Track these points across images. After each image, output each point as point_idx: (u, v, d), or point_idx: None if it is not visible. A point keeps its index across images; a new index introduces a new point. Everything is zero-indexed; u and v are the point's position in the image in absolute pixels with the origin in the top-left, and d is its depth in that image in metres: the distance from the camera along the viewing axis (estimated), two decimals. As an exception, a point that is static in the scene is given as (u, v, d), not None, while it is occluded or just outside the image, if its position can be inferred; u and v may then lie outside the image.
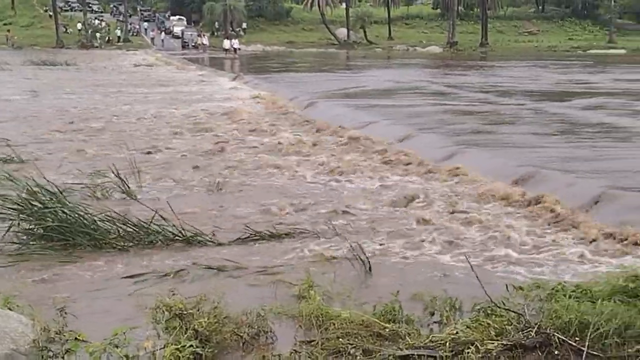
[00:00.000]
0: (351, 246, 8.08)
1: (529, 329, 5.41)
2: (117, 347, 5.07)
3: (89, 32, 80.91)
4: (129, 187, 11.33)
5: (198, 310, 5.79)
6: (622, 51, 77.15)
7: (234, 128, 19.55)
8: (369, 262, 7.89)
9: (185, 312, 5.67)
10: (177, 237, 8.86)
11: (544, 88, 30.59)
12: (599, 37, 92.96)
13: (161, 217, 9.08)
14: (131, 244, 8.74)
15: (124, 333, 5.13)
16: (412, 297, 6.77)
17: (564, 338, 5.22)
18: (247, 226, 9.25)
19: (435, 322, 6.22)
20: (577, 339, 5.21)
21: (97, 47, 77.41)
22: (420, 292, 6.80)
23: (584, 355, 5.02)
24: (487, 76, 38.52)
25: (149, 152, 15.59)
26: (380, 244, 8.85)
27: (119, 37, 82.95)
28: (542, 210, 10.19)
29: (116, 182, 11.39)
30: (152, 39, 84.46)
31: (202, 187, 12.17)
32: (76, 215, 8.87)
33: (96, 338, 5.28)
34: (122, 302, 6.86)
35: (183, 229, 8.90)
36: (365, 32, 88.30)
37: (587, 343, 5.12)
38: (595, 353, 5.10)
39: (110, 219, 9.00)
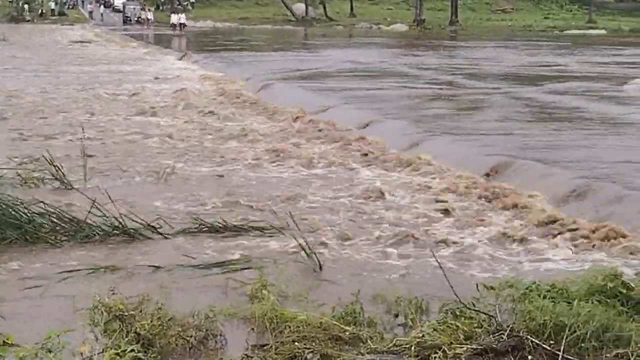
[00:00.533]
0: (307, 243, 8.08)
1: (500, 332, 5.44)
2: (50, 351, 5.01)
3: (20, 4, 79.82)
4: (64, 176, 11.21)
5: (140, 311, 5.74)
6: (603, 31, 77.99)
7: (180, 112, 19.43)
8: (326, 260, 7.89)
9: (125, 314, 5.62)
10: (118, 231, 8.78)
11: (517, 70, 30.84)
12: (577, 16, 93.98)
13: (100, 208, 8.98)
14: (66, 238, 8.64)
15: (58, 336, 5.07)
16: (375, 297, 6.79)
17: (538, 342, 5.25)
18: (195, 219, 9.20)
19: (399, 325, 6.23)
20: (552, 342, 5.25)
21: (29, 21, 76.48)
22: (383, 293, 6.82)
23: (559, 360, 5.07)
24: (456, 57, 38.74)
25: (87, 139, 15.40)
26: (340, 240, 8.84)
27: (52, 10, 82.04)
28: (515, 203, 10.27)
29: (50, 171, 11.26)
30: (90, 12, 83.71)
31: (147, 177, 12.09)
32: (3, 205, 8.75)
33: (27, 342, 5.21)
34: (55, 302, 6.78)
35: (125, 222, 8.82)
36: (325, 7, 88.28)
37: (562, 347, 5.16)
38: (571, 357, 5.14)
39: (44, 210, 8.89)
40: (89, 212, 8.91)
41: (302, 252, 7.98)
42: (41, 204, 8.95)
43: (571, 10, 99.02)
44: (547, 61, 35.86)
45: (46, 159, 11.33)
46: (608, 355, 5.14)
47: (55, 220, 8.84)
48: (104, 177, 11.93)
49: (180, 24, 66.89)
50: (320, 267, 7.74)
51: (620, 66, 33.15)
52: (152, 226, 8.91)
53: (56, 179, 11.18)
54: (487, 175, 11.88)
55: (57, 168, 11.27)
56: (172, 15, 69.51)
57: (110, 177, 11.93)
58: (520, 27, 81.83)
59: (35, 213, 8.83)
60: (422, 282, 7.41)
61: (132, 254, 8.26)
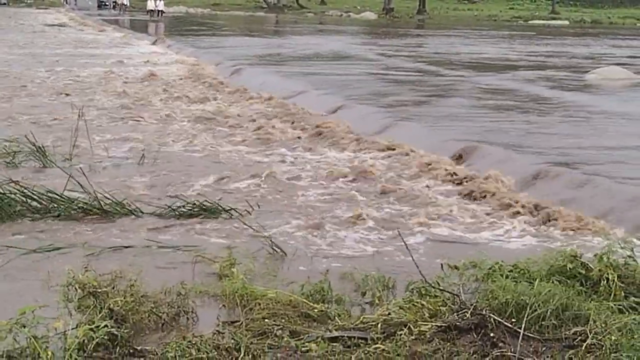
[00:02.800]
0: (278, 224, 8.06)
1: (464, 310, 5.47)
2: (24, 326, 4.97)
3: (-4, -13, 79.01)
4: (45, 156, 11.17)
5: (113, 288, 5.71)
6: (565, 22, 78.44)
7: (155, 96, 19.31)
8: (296, 240, 7.89)
9: (99, 290, 5.58)
10: (93, 209, 8.73)
11: (482, 59, 30.94)
12: (541, 7, 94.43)
13: (77, 186, 8.95)
14: (40, 215, 8.59)
15: (32, 312, 5.03)
16: (343, 276, 6.81)
17: (500, 319, 5.28)
18: (171, 199, 9.18)
19: (367, 303, 6.25)
20: (513, 320, 5.29)
21: (4, 4, 75.61)
22: (351, 271, 6.85)
23: (520, 337, 5.10)
24: (424, 45, 38.81)
25: (62, 118, 15.30)
26: (310, 221, 8.85)
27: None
28: (480, 186, 10.33)
29: (30, 150, 11.23)
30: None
31: (124, 158, 12.02)
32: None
33: (0, 317, 5.18)
34: (29, 279, 6.73)
35: (100, 201, 8.78)
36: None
37: (523, 325, 5.20)
38: (532, 335, 5.18)
39: (19, 187, 8.83)
40: (64, 190, 8.87)
41: (276, 233, 8.00)
42: (14, 182, 8.88)
43: (535, 1, 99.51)
44: (512, 50, 36.00)
45: (27, 139, 11.31)
46: (567, 332, 5.18)
47: (30, 197, 8.77)
48: (87, 158, 11.86)
49: (159, 10, 66.06)
50: (292, 249, 7.74)
51: (582, 56, 33.35)
52: (124, 205, 8.87)
53: (37, 158, 11.11)
54: (457, 158, 11.93)
55: (38, 148, 11.21)
56: (149, 1, 68.50)
57: (91, 159, 11.84)
58: (485, 17, 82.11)
59: (8, 191, 8.75)
60: (390, 262, 7.44)
61: (106, 232, 8.22)
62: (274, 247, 7.63)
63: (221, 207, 9.07)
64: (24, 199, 8.76)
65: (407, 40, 42.53)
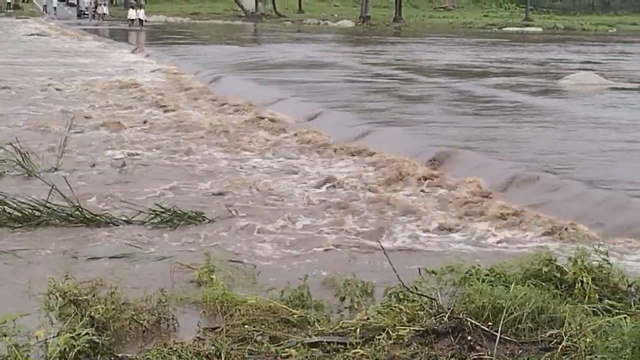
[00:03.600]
0: (257, 230, 8.08)
1: (441, 314, 5.48)
2: (5, 335, 4.94)
3: (-25, -3, 78.60)
4: (27, 164, 11.13)
5: (94, 295, 5.68)
6: (539, 29, 78.87)
7: (134, 104, 19.25)
8: (274, 246, 7.89)
9: (80, 298, 5.56)
10: (74, 217, 8.70)
11: (457, 65, 31.03)
12: (515, 14, 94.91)
13: (57, 194, 8.93)
14: (20, 223, 8.55)
15: (14, 320, 5.00)
16: (322, 282, 6.81)
17: (476, 323, 5.30)
18: (150, 207, 9.14)
19: (346, 308, 6.24)
20: (490, 323, 5.31)
21: (-17, 14, 75.24)
22: (330, 277, 6.84)
23: (497, 341, 5.11)
24: (400, 52, 38.89)
25: (44, 129, 15.21)
26: (288, 227, 8.85)
27: (8, 4, 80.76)
28: (457, 191, 10.36)
29: (12, 159, 11.22)
30: (45, 6, 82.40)
31: (104, 166, 11.97)
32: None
33: (-18, 326, 5.14)
34: (10, 287, 6.69)
35: (81, 209, 8.75)
36: (274, 3, 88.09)
37: (500, 328, 5.22)
38: (508, 338, 5.20)
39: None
40: (47, 200, 8.85)
41: (254, 239, 8.03)
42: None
43: (509, 9, 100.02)
44: (486, 57, 36.14)
45: (13, 147, 11.30)
46: (543, 335, 5.20)
47: (10, 204, 8.73)
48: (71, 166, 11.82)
49: (140, 19, 65.60)
50: (266, 257, 7.74)
51: (555, 62, 33.51)
52: (105, 214, 8.84)
53: (22, 166, 11.06)
54: (432, 162, 11.96)
55: (23, 156, 11.17)
56: (130, 10, 68.13)
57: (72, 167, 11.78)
58: (460, 25, 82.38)
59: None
60: (368, 267, 7.44)
61: (87, 240, 8.19)
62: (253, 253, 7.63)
63: (200, 214, 9.07)
64: (3, 207, 8.72)
65: (384, 48, 42.59)
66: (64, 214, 8.72)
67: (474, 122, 15.97)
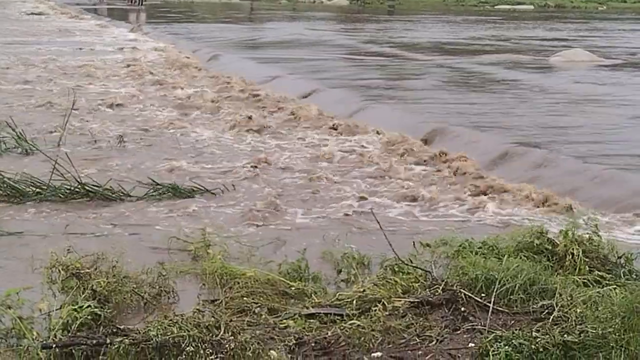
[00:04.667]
0: (254, 204, 8.12)
1: (435, 286, 5.51)
2: (9, 308, 4.95)
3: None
4: (26, 141, 11.08)
5: (96, 269, 5.69)
6: (530, 7, 78.54)
7: (133, 82, 19.16)
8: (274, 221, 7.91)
9: (82, 272, 5.56)
10: (75, 192, 8.70)
11: (451, 43, 30.91)
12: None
13: (59, 170, 8.94)
14: (24, 198, 8.55)
15: (17, 294, 5.00)
16: (319, 255, 6.82)
17: (470, 294, 5.32)
18: (150, 182, 9.15)
19: (342, 281, 6.27)
20: (483, 295, 5.33)
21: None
22: (327, 250, 6.85)
23: (489, 311, 5.13)
24: (395, 30, 38.72)
25: (42, 105, 15.18)
26: (284, 202, 8.85)
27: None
28: (450, 166, 10.36)
29: (12, 135, 11.18)
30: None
31: (104, 142, 11.93)
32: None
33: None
34: (13, 261, 6.70)
35: (83, 184, 8.74)
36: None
37: (492, 299, 5.24)
38: (501, 309, 5.22)
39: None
40: (51, 176, 8.86)
41: (252, 213, 8.07)
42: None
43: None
44: (480, 35, 35.99)
45: (8, 125, 11.26)
46: (535, 306, 5.22)
47: (12, 181, 8.73)
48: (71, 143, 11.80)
49: (140, -1, 64.80)
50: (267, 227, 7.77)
51: (546, 39, 33.39)
52: (106, 188, 8.84)
53: (21, 144, 11.03)
54: (425, 140, 11.94)
55: (18, 134, 11.14)
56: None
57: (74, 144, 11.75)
58: (453, 3, 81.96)
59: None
60: (366, 240, 7.45)
61: (88, 214, 8.21)
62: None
63: (200, 187, 9.09)
64: (3, 182, 8.71)
65: (379, 26, 42.38)
66: (66, 190, 8.70)
67: (467, 99, 15.94)
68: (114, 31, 37.03)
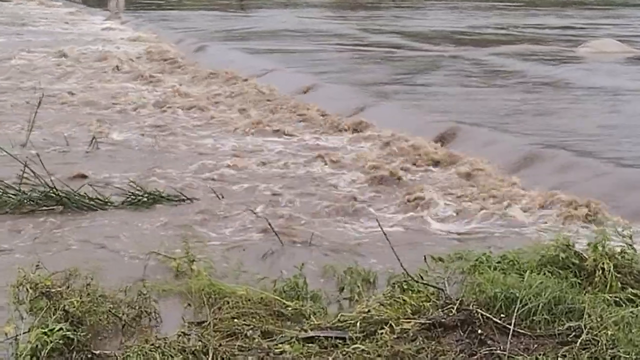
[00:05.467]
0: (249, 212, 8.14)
1: (449, 306, 5.49)
2: (-31, 331, 4.96)
3: None
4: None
5: (68, 287, 5.69)
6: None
7: (109, 77, 19.16)
8: (270, 232, 7.94)
9: (53, 290, 5.56)
10: (46, 200, 8.71)
11: (465, 32, 30.88)
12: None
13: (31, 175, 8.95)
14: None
15: (-20, 315, 5.01)
16: (319, 270, 6.83)
17: (488, 315, 5.31)
18: (129, 189, 9.15)
19: (345, 299, 6.28)
20: (502, 315, 5.32)
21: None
22: (327, 265, 6.85)
23: (510, 334, 5.13)
24: (402, 18, 38.69)
25: (11, 105, 15.21)
26: (280, 212, 8.86)
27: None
28: (466, 171, 10.35)
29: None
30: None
31: (77, 145, 11.95)
32: None
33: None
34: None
35: (55, 190, 8.75)
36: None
37: (513, 320, 5.23)
38: (522, 331, 5.21)
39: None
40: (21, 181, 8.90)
41: (243, 224, 8.08)
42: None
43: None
44: (496, 23, 35.96)
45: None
46: (560, 328, 5.21)
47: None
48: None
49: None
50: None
51: (566, 27, 33.31)
52: (80, 195, 8.84)
53: None
54: (439, 142, 11.93)
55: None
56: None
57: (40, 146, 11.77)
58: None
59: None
60: (372, 254, 7.46)
61: (59, 225, 8.21)
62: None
63: (183, 195, 9.11)
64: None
65: (381, 13, 42.38)
66: (36, 197, 8.71)
67: (484, 96, 15.92)
68: (88, 20, 37.03)
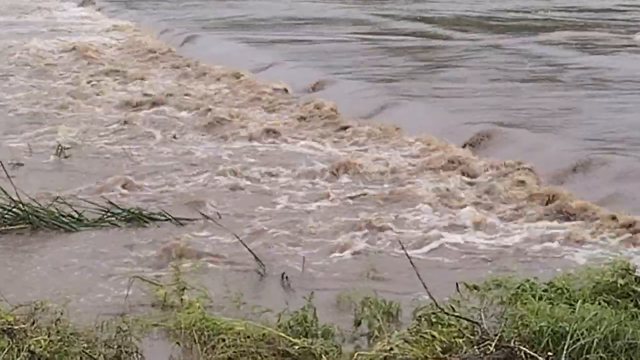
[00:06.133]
0: (237, 236, 8.24)
1: (486, 342, 5.47)
2: None
3: None
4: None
5: (34, 323, 5.69)
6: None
7: (83, 73, 19.20)
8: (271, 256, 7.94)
9: (16, 327, 5.56)
10: (14, 218, 8.78)
11: (502, 18, 30.87)
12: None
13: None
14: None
15: None
16: (331, 301, 6.82)
17: (532, 353, 5.30)
18: (104, 205, 9.18)
19: (362, 335, 6.26)
20: (550, 353, 5.31)
21: None
22: (341, 295, 6.84)
23: (559, 376, 5.12)
24: (432, 2, 38.69)
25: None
26: (284, 234, 8.87)
27: None
28: (506, 181, 10.32)
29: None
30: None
31: (42, 154, 12.01)
32: None
33: None
34: None
35: (23, 206, 8.80)
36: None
37: (563, 358, 5.22)
38: (574, 371, 5.21)
39: None
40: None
41: (237, 247, 8.08)
42: None
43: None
44: (539, 5, 35.92)
45: None
46: (619, 368, 5.20)
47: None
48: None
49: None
50: (265, 266, 7.76)
51: (626, 12, 33.24)
52: (51, 214, 8.87)
53: None
54: (470, 146, 11.93)
55: None
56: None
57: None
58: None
59: None
60: (392, 280, 7.44)
61: (25, 248, 8.25)
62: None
63: (167, 214, 9.13)
64: None
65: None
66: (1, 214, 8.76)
67: (524, 92, 15.90)
68: (57, 6, 37.15)
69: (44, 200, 9.37)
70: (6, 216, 8.78)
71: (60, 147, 12.00)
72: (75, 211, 8.97)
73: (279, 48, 22.00)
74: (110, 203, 9.28)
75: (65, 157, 11.80)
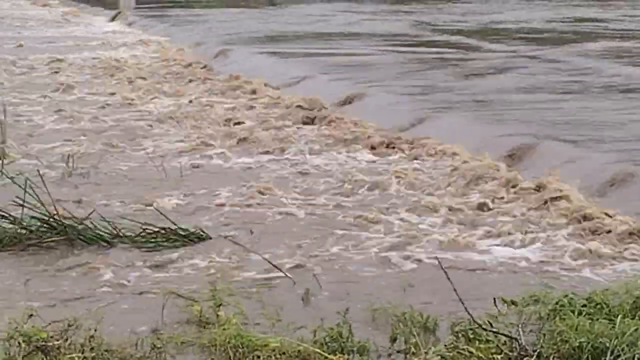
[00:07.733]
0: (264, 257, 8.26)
1: (525, 358, 5.49)
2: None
3: None
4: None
5: (67, 340, 5.73)
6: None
7: (114, 89, 19.31)
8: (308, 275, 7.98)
9: (49, 344, 5.60)
10: (49, 232, 8.79)
11: (540, 28, 30.76)
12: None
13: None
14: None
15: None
16: (366, 316, 6.83)
17: (572, 369, 5.31)
18: (124, 223, 9.17)
19: (398, 352, 6.27)
20: (590, 370, 5.31)
21: None
22: (377, 310, 6.86)
23: (599, 392, 5.12)
24: (465, 12, 38.61)
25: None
26: (319, 248, 8.89)
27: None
28: (545, 196, 10.30)
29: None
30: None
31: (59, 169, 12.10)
32: None
33: None
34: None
35: (58, 219, 8.82)
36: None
37: (603, 376, 5.22)
38: (614, 389, 5.20)
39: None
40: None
41: (274, 263, 8.11)
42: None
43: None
44: (579, 15, 35.77)
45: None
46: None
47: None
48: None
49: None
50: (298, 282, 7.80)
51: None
52: (88, 227, 8.92)
53: None
54: (509, 157, 11.93)
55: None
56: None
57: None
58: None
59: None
60: (429, 295, 7.47)
61: (53, 265, 8.29)
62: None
63: (203, 232, 9.15)
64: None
65: (439, 6, 42.32)
66: (37, 228, 8.78)
67: (562, 104, 15.87)
68: (89, 21, 37.36)
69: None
70: (41, 230, 8.80)
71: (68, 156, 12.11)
72: (111, 226, 8.99)
73: (312, 61, 22.05)
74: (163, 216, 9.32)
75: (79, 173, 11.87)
